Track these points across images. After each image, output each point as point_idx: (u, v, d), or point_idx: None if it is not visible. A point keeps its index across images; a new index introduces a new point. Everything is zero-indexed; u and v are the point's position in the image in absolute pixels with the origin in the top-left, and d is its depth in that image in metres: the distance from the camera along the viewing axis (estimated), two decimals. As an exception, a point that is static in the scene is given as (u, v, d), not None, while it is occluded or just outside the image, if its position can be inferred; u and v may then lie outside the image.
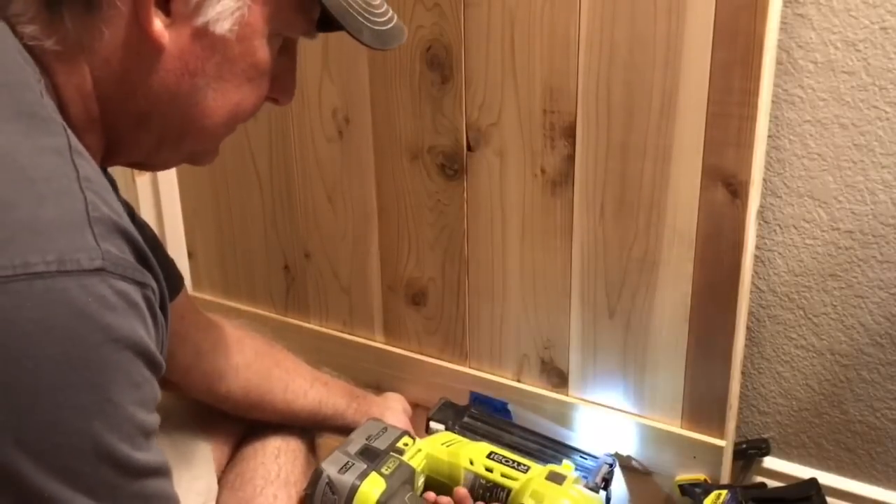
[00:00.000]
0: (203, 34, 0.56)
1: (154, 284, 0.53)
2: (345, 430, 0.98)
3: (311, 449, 0.97)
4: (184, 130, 0.60)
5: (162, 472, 0.55)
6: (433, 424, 1.07)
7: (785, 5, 0.98)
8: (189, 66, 0.56)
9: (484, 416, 1.11)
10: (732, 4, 0.94)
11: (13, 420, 0.46)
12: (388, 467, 0.87)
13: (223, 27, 0.56)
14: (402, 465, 0.88)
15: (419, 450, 0.92)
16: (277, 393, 0.92)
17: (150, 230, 0.83)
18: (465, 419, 1.09)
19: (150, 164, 0.65)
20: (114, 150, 0.60)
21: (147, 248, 0.54)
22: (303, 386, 0.95)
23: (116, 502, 0.51)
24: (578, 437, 1.19)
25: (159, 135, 0.60)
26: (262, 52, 0.59)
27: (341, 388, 1.01)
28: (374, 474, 0.85)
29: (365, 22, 0.61)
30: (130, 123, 0.58)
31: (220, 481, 0.90)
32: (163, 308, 0.56)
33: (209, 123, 0.60)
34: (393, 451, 0.90)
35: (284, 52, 0.63)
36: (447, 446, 0.95)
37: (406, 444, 0.92)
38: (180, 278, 0.84)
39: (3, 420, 0.46)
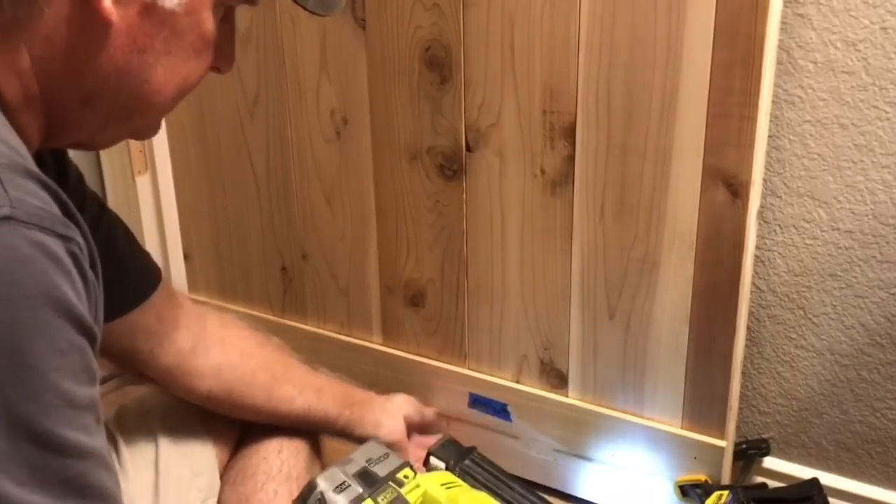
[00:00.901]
0: (151, 9, 0.54)
1: (81, 240, 0.50)
2: (340, 435, 0.97)
3: (316, 447, 0.96)
4: (132, 108, 0.58)
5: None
6: (433, 461, 1.04)
7: (785, 5, 0.98)
8: (138, 42, 0.55)
9: (486, 463, 1.06)
10: (733, 5, 0.94)
11: None
12: (385, 498, 0.85)
13: (172, 1, 0.55)
14: (399, 499, 0.86)
15: (417, 485, 0.90)
16: (260, 397, 0.90)
17: (123, 225, 0.81)
18: (467, 462, 1.04)
19: (96, 143, 0.63)
20: (57, 129, 0.57)
21: (68, 204, 0.50)
22: (290, 392, 0.92)
23: (41, 487, 0.46)
24: (583, 441, 1.19)
25: (107, 113, 0.58)
26: (209, 23, 0.58)
27: (336, 393, 0.98)
28: (369, 501, 0.84)
29: None
30: (76, 102, 0.56)
31: (221, 477, 0.89)
32: (94, 268, 0.52)
33: (159, 99, 0.58)
34: (392, 481, 0.88)
35: (224, 20, 0.62)
36: (446, 488, 0.92)
37: (406, 477, 0.89)
38: (157, 273, 0.82)
39: None
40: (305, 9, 0.62)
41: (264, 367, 0.92)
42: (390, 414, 1.01)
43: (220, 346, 0.89)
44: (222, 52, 0.63)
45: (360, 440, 0.97)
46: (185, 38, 0.57)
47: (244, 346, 0.92)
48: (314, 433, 0.97)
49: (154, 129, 0.65)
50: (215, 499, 0.87)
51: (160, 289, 0.82)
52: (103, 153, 1.62)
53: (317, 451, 0.96)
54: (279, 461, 0.89)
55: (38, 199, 0.47)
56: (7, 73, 0.53)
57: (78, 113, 0.57)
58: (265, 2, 0.80)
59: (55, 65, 0.54)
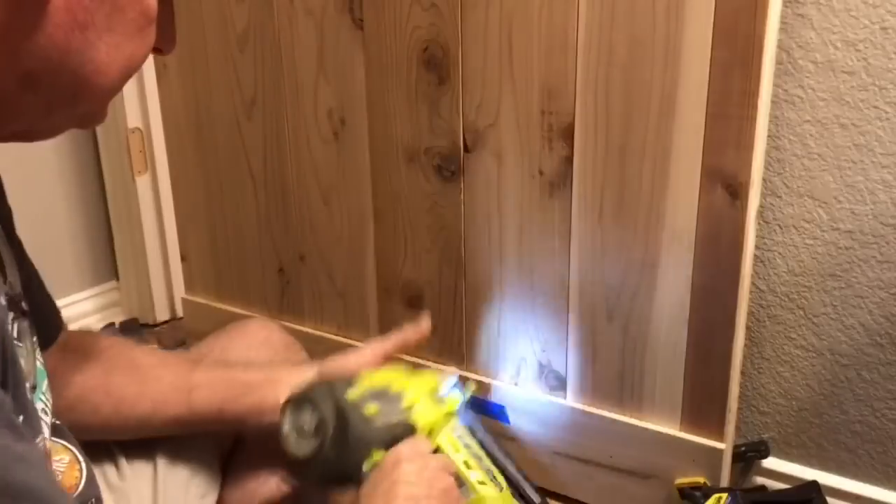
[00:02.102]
0: None
1: None
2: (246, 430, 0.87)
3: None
4: (77, 90, 0.55)
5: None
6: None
7: (785, 5, 0.98)
8: (78, 18, 0.52)
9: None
10: (732, 5, 0.93)
11: None
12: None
13: None
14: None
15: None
16: (115, 430, 0.82)
17: (32, 265, 0.75)
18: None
19: (37, 131, 0.59)
20: None
21: None
22: (145, 412, 0.83)
23: None
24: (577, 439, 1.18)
25: (49, 98, 0.55)
26: None
27: (215, 387, 0.84)
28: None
29: None
30: (14, 87, 0.53)
31: (223, 471, 0.88)
32: None
33: (104, 80, 0.55)
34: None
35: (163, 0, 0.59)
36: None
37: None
38: (57, 326, 0.78)
39: None
40: None
41: (108, 395, 0.82)
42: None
43: (75, 403, 0.80)
44: (164, 32, 0.59)
45: (264, 432, 0.83)
46: (126, 13, 0.54)
47: (84, 382, 0.82)
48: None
49: (100, 117, 0.61)
50: (216, 494, 0.86)
51: (55, 346, 0.77)
52: (103, 153, 1.61)
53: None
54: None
55: None
56: None
57: (18, 98, 0.53)
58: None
59: None
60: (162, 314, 1.68)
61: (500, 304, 1.20)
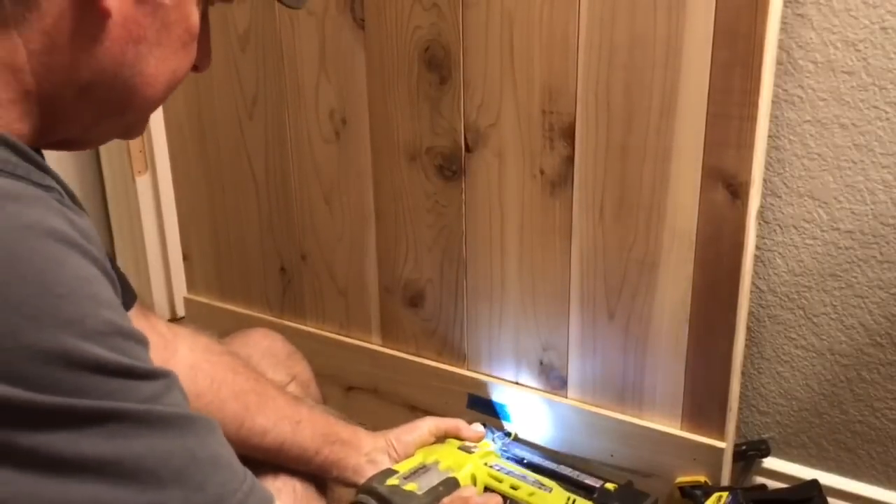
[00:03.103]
0: (145, 1, 0.56)
1: (61, 189, 0.51)
2: (318, 473, 0.92)
3: (321, 489, 0.92)
4: (126, 101, 0.59)
5: (164, 377, 0.51)
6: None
7: (785, 5, 0.98)
8: (133, 33, 0.56)
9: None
10: (732, 5, 0.93)
11: None
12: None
13: None
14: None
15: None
16: (229, 427, 0.84)
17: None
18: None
19: (86, 140, 0.63)
20: (49, 125, 0.58)
21: (43, 162, 0.52)
22: (263, 424, 0.87)
23: (122, 420, 0.47)
24: (576, 439, 1.18)
25: (101, 107, 0.59)
26: (194, 16, 0.60)
27: (316, 428, 0.91)
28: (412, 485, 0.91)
29: None
30: (72, 95, 0.57)
31: None
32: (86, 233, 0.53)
33: (151, 92, 0.60)
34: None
35: (202, 17, 0.63)
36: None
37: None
38: (133, 292, 0.80)
39: None
40: (281, 2, 0.67)
41: (236, 395, 0.87)
42: (375, 464, 0.94)
43: (188, 371, 0.84)
44: (202, 49, 0.64)
45: (338, 483, 0.94)
46: (173, 30, 0.59)
47: (216, 372, 0.87)
48: (321, 478, 0.93)
49: (142, 127, 0.65)
50: None
51: (135, 307, 0.79)
52: (103, 153, 1.62)
53: (322, 491, 0.92)
54: None
55: (13, 156, 0.50)
56: (1, 70, 0.53)
57: (73, 107, 0.57)
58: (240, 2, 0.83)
59: (52, 58, 0.54)
60: (163, 313, 1.68)
61: (502, 303, 1.20)
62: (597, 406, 1.17)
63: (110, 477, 0.47)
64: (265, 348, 1.00)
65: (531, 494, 0.97)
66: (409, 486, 0.91)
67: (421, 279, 1.26)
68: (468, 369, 1.26)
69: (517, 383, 1.23)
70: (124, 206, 1.62)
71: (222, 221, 1.46)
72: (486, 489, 0.98)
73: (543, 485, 0.99)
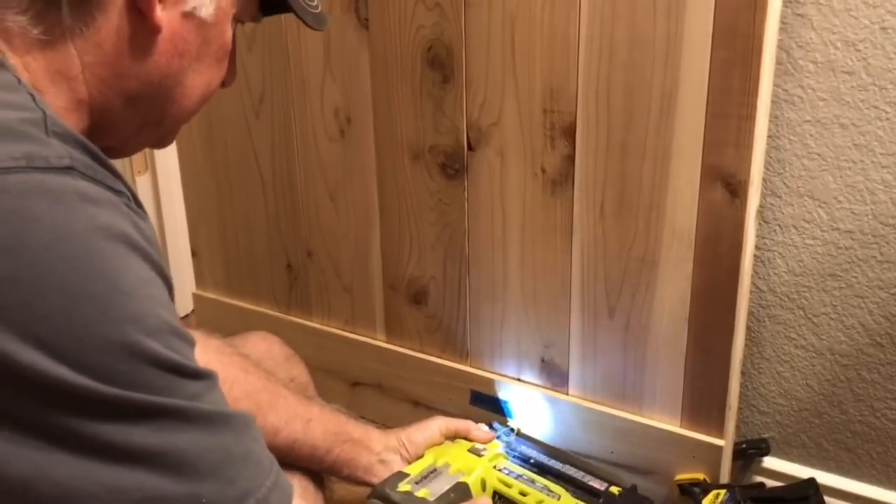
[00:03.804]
0: (190, 17, 0.60)
1: (129, 194, 0.54)
2: (329, 473, 0.93)
3: (319, 486, 0.92)
4: (166, 110, 0.64)
5: (207, 378, 0.55)
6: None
7: (785, 5, 0.98)
8: (178, 47, 0.60)
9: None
10: (732, 4, 0.94)
11: (24, 315, 0.46)
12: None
13: (207, 11, 0.61)
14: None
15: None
16: None
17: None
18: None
19: (124, 148, 0.67)
20: (97, 131, 0.61)
21: (116, 168, 0.55)
22: (274, 422, 0.89)
23: (171, 415, 0.51)
24: (576, 436, 1.19)
25: (144, 115, 0.63)
26: (229, 34, 0.65)
27: (327, 427, 0.92)
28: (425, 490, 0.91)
29: (306, 6, 0.70)
30: (121, 105, 0.61)
31: None
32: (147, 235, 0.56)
33: (188, 103, 0.64)
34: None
35: (233, 36, 0.68)
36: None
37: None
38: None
39: (15, 316, 0.46)
40: (306, 23, 0.71)
41: (248, 395, 0.89)
42: (386, 464, 0.96)
43: None
44: (230, 65, 0.69)
45: (349, 482, 0.95)
46: (211, 46, 0.63)
47: (228, 372, 0.87)
48: (319, 476, 0.94)
49: (173, 137, 0.70)
50: None
51: None
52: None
53: (319, 488, 0.93)
54: None
55: (91, 161, 0.52)
56: (58, 79, 0.57)
57: (120, 116, 0.61)
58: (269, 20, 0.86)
59: (104, 69, 0.58)
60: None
61: (504, 301, 1.21)
62: (597, 403, 1.17)
63: (155, 466, 0.50)
64: (263, 351, 1.02)
65: (540, 502, 0.97)
66: (422, 493, 0.91)
67: (424, 276, 1.28)
68: (471, 366, 1.28)
69: (519, 380, 1.24)
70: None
71: (230, 219, 1.48)
72: (496, 494, 0.98)
73: (552, 491, 0.99)
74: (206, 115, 1.44)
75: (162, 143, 0.70)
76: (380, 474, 0.94)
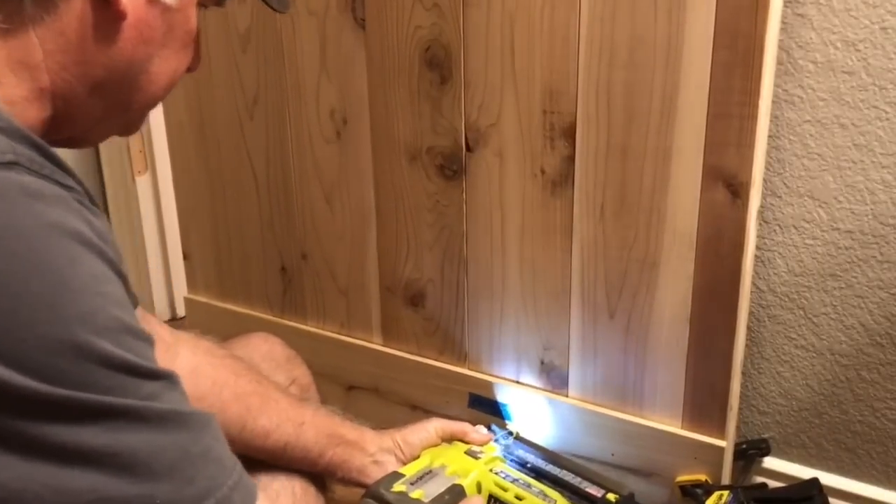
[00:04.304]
0: (155, 3, 0.59)
1: (81, 190, 0.53)
2: (324, 474, 0.92)
3: (320, 489, 0.91)
4: (131, 98, 0.62)
5: (165, 378, 0.54)
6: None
7: (785, 5, 0.98)
8: (143, 34, 0.59)
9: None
10: (733, 5, 0.94)
11: None
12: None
13: None
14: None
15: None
16: (233, 429, 0.85)
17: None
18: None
19: (89, 137, 0.66)
20: (60, 122, 0.60)
21: (64, 162, 0.54)
22: (265, 425, 0.87)
23: (122, 415, 0.49)
24: (576, 438, 1.19)
25: (109, 103, 0.62)
26: (194, 19, 0.64)
27: (320, 430, 0.91)
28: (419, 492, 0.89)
29: None
30: (85, 93, 0.59)
31: None
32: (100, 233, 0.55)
33: (154, 90, 0.63)
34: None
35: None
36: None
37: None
38: (134, 297, 0.82)
39: None
40: (268, 5, 0.69)
41: (238, 398, 0.87)
42: (381, 465, 0.94)
43: (190, 375, 0.83)
44: (195, 50, 0.68)
45: (343, 484, 0.94)
46: (176, 32, 0.62)
47: (218, 375, 0.88)
48: (321, 479, 0.93)
49: (140, 124, 0.68)
50: None
51: (135, 311, 0.80)
52: (103, 153, 1.62)
53: (321, 491, 0.92)
54: None
55: (38, 156, 0.51)
56: (18, 68, 0.55)
57: (84, 104, 0.60)
58: (232, 4, 0.85)
59: (67, 57, 0.57)
60: (163, 313, 1.68)
61: (502, 303, 1.20)
62: (597, 405, 1.17)
63: (107, 468, 0.49)
64: (265, 352, 1.01)
65: None
66: (416, 494, 0.90)
67: (422, 279, 1.27)
68: (469, 369, 1.27)
69: (518, 382, 1.23)
70: (124, 206, 1.62)
71: (223, 221, 1.46)
72: (491, 497, 0.98)
73: (548, 496, 0.98)
74: (198, 115, 1.42)
75: (128, 131, 0.69)
76: (374, 475, 0.93)
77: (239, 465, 0.59)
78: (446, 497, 0.91)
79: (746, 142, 0.97)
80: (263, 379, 0.92)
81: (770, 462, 1.17)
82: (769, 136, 1.04)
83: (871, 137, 1.01)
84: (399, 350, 1.33)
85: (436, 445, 1.02)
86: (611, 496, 1.01)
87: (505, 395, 1.23)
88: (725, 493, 1.03)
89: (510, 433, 1.12)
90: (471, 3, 1.08)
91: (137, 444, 0.51)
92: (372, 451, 0.95)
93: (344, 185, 1.29)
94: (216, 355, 0.90)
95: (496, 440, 1.08)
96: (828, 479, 1.13)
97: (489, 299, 1.21)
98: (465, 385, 1.26)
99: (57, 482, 0.48)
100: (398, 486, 0.91)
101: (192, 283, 1.57)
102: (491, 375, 1.25)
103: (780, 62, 1.02)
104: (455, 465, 0.97)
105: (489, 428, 1.11)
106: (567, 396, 1.19)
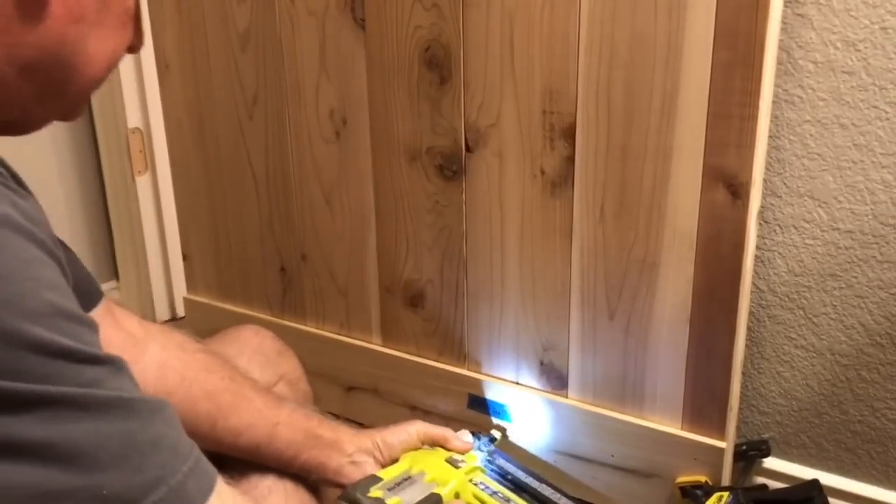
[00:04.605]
0: None
1: (7, 173, 0.51)
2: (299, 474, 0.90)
3: (312, 488, 0.90)
4: (68, 80, 0.59)
5: (110, 362, 0.51)
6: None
7: (785, 5, 0.98)
8: (73, 12, 0.56)
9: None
10: (733, 5, 0.94)
11: None
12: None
13: None
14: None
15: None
16: (203, 427, 0.83)
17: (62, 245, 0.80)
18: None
19: (25, 123, 0.63)
20: None
21: None
22: (237, 426, 0.84)
23: (60, 404, 0.47)
24: (577, 438, 1.18)
25: (42, 86, 0.59)
26: None
27: (296, 431, 0.88)
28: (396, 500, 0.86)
29: None
30: (13, 76, 0.56)
31: None
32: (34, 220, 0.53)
33: (91, 71, 0.60)
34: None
35: None
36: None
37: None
38: (98, 291, 0.79)
39: None
40: None
41: (209, 395, 0.84)
42: (358, 465, 0.91)
43: (157, 370, 0.83)
44: (136, 30, 0.64)
45: (321, 485, 0.92)
46: (111, 10, 0.59)
47: (187, 370, 0.85)
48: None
49: (81, 109, 0.65)
50: None
51: (99, 307, 0.78)
52: (103, 153, 1.62)
53: (315, 489, 0.90)
54: None
55: None
56: None
57: (14, 87, 0.57)
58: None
59: None
60: (162, 314, 1.68)
61: (502, 304, 1.20)
62: (597, 406, 1.17)
63: (47, 460, 0.47)
64: (255, 346, 0.99)
65: None
66: (393, 501, 0.87)
67: (421, 279, 1.26)
68: (468, 369, 1.26)
69: (517, 383, 1.23)
70: (124, 206, 1.62)
71: (222, 221, 1.46)
72: None
73: None
74: (198, 115, 1.42)
75: (70, 116, 0.65)
76: (351, 476, 0.90)
77: (196, 451, 0.56)
78: None
79: (746, 142, 0.97)
80: (238, 376, 0.89)
81: (770, 462, 1.17)
82: (769, 136, 1.04)
83: (871, 137, 1.00)
84: (398, 351, 1.32)
85: (416, 448, 1.00)
86: None
87: (504, 395, 1.23)
88: (725, 494, 1.03)
89: (492, 439, 1.09)
90: (470, 3, 1.08)
91: (79, 433, 0.48)
92: (350, 451, 0.91)
93: (343, 186, 1.29)
94: (188, 350, 0.87)
95: (478, 448, 1.05)
96: (828, 479, 1.13)
97: (489, 300, 1.21)
98: (465, 386, 1.26)
99: None
100: (375, 492, 0.88)
101: (191, 284, 1.57)
102: (490, 376, 1.24)
103: (780, 62, 1.02)
104: (434, 473, 0.94)
105: (474, 434, 1.09)
106: (567, 397, 1.19)
